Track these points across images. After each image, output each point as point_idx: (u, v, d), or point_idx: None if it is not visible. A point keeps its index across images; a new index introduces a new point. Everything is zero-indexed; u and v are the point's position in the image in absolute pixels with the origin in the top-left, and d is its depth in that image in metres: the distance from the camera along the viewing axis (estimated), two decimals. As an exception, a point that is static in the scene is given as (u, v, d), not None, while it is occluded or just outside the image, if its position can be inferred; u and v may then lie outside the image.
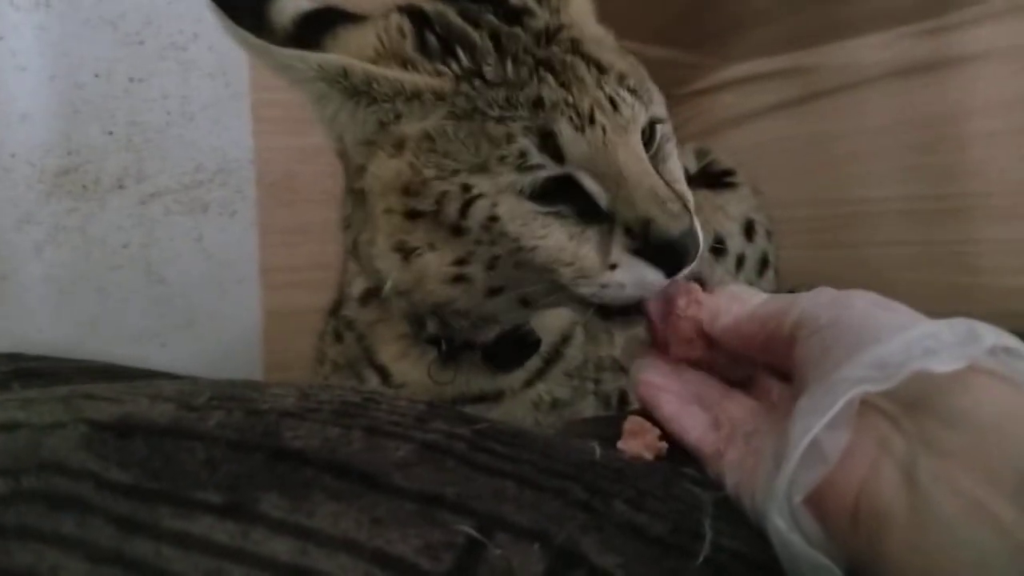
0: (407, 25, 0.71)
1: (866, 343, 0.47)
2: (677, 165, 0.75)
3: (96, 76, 1.23)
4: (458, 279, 0.70)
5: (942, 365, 0.44)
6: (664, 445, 0.62)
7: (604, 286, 0.66)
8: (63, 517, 0.43)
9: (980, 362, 0.44)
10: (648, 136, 0.70)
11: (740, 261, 1.27)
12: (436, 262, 0.70)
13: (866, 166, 1.46)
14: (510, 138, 0.65)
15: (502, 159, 0.65)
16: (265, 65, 0.70)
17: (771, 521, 0.47)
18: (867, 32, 1.46)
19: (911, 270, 1.40)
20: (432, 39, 0.69)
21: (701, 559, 0.48)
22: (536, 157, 0.65)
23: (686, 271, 0.66)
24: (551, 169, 0.65)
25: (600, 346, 1.00)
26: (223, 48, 1.31)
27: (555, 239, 0.66)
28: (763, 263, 1.31)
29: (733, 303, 0.61)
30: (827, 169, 1.50)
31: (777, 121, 1.59)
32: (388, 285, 0.74)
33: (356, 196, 0.76)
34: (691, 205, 0.69)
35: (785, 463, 0.46)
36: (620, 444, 0.62)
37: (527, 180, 0.65)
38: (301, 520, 0.43)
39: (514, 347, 0.87)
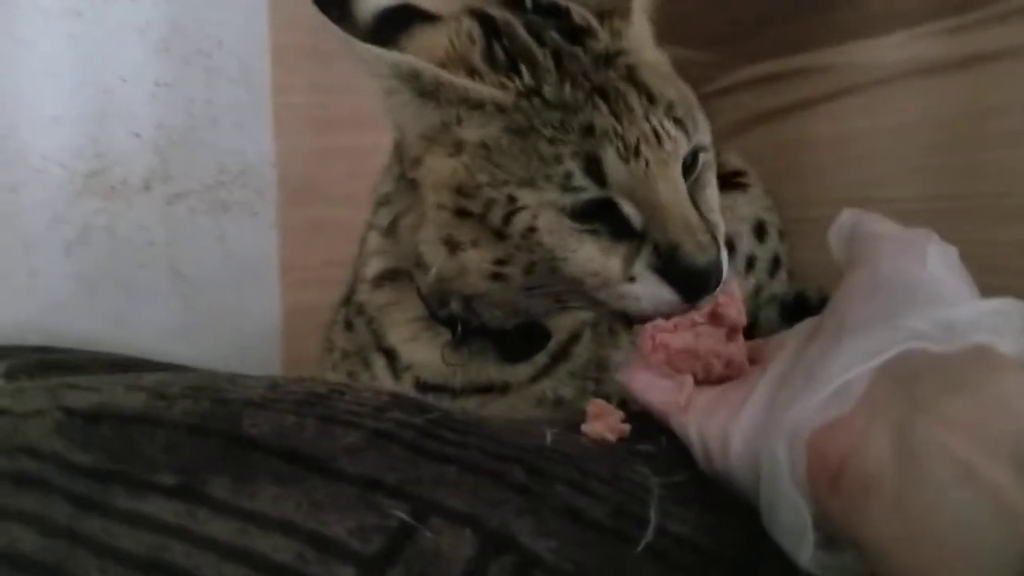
0: (477, 32, 0.74)
1: (936, 300, 0.48)
2: (714, 194, 0.77)
3: (124, 81, 1.27)
4: (497, 276, 0.75)
5: (1006, 345, 0.44)
6: (627, 427, 0.64)
7: (620, 296, 0.70)
8: (25, 495, 0.47)
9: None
10: (690, 163, 0.73)
11: (751, 262, 1.27)
12: (478, 258, 0.74)
13: (883, 166, 1.44)
14: (558, 159, 0.69)
15: (548, 177, 0.69)
16: (345, 54, 0.74)
17: (771, 448, 0.47)
18: (885, 32, 1.44)
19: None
20: (499, 51, 0.73)
21: (642, 545, 0.49)
22: (580, 180, 0.69)
23: (706, 299, 0.68)
24: (592, 192, 0.69)
25: (604, 346, 1.01)
26: (246, 54, 1.35)
27: (586, 252, 0.70)
28: (775, 264, 1.31)
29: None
30: (844, 169, 1.48)
31: (794, 121, 1.58)
32: (432, 272, 0.78)
33: (408, 183, 0.80)
34: (721, 236, 0.73)
35: (813, 393, 0.47)
36: (583, 427, 0.64)
37: (568, 200, 0.69)
38: (243, 502, 0.46)
39: (524, 340, 0.90)
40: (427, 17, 0.79)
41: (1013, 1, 1.27)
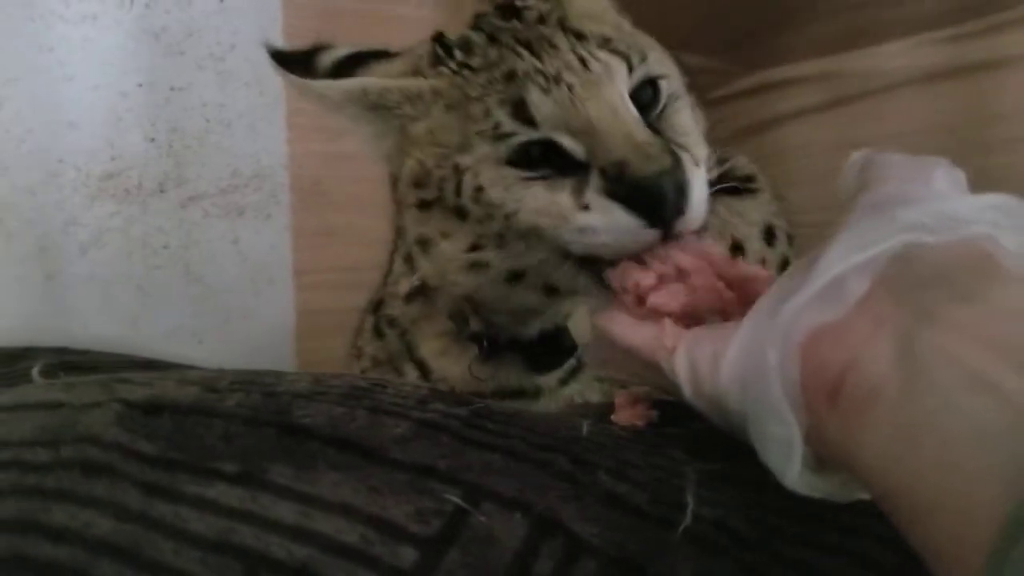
0: (427, 48, 0.78)
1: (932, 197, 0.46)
2: (687, 119, 0.76)
3: (139, 85, 1.29)
4: (475, 265, 0.75)
5: (1007, 240, 0.42)
6: (654, 412, 0.65)
7: (579, 231, 0.67)
8: (95, 482, 0.48)
9: None
10: (652, 95, 0.73)
11: (761, 266, 1.29)
12: (451, 249, 0.75)
13: (889, 171, 1.46)
14: (487, 113, 0.70)
15: (481, 133, 0.70)
16: (307, 99, 0.78)
17: (762, 352, 0.45)
18: (892, 38, 1.46)
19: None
20: (440, 51, 0.76)
21: (681, 529, 0.50)
22: (509, 125, 0.69)
23: (679, 226, 0.65)
24: (525, 134, 0.69)
25: None
26: (259, 59, 1.36)
27: (533, 196, 0.69)
28: (784, 267, 1.32)
29: None
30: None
31: (802, 127, 1.60)
32: (415, 277, 0.80)
33: (401, 208, 0.82)
34: (693, 158, 0.70)
35: (806, 287, 0.44)
36: (613, 417, 0.65)
37: (503, 149, 0.70)
38: (305, 487, 0.48)
39: (551, 350, 0.90)
40: (389, 56, 0.82)
41: (1019, 9, 1.30)
